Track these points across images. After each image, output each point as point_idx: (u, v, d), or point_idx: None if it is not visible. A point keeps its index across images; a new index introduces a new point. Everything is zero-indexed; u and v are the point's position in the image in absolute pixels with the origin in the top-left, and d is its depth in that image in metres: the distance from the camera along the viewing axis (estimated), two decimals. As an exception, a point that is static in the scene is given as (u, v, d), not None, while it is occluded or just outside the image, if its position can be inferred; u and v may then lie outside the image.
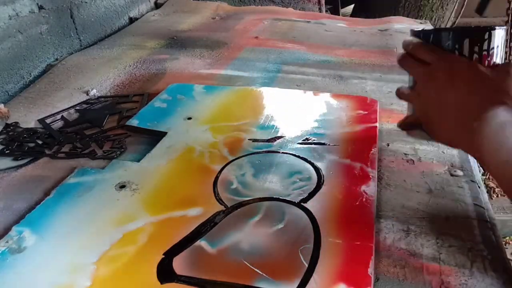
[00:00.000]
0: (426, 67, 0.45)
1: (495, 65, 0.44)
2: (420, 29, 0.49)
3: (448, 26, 1.97)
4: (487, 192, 1.78)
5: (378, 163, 0.57)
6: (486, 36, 0.44)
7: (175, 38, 1.12)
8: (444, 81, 0.44)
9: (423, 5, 1.86)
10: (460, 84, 0.43)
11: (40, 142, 0.64)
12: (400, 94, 0.51)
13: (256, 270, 0.40)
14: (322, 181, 0.52)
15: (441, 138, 0.46)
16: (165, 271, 0.40)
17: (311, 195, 0.49)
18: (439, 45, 0.46)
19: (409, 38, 0.49)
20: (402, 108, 0.72)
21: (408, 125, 0.50)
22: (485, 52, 0.44)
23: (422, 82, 0.46)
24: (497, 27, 0.44)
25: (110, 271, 0.40)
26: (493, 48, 0.44)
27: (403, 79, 0.82)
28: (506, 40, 0.42)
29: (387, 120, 0.68)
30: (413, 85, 0.49)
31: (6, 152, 0.61)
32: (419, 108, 0.48)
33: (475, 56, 0.44)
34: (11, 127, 0.68)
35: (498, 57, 0.44)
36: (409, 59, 0.48)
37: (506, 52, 0.44)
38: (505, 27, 0.46)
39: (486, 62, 0.44)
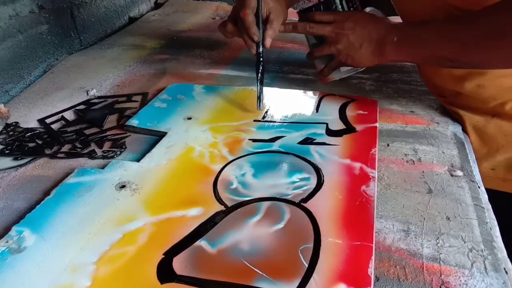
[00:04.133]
0: (331, 25, 0.66)
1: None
2: (306, 7, 0.72)
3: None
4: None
5: (378, 163, 0.57)
6: None
7: (175, 38, 1.12)
8: (352, 28, 0.65)
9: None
10: (364, 26, 0.64)
11: (40, 142, 0.64)
12: (312, 53, 0.71)
13: (256, 270, 0.40)
14: (322, 181, 0.52)
15: (365, 64, 0.66)
16: (165, 271, 0.40)
17: (311, 195, 0.49)
18: (329, 10, 0.69)
19: (304, 13, 0.70)
20: (402, 108, 0.72)
21: (331, 69, 0.70)
22: (355, 5, 0.70)
23: (335, 35, 0.66)
24: None
25: (110, 271, 0.40)
26: (357, 2, 0.70)
27: (403, 79, 0.83)
28: None
29: (387, 120, 0.68)
30: (318, 42, 0.70)
31: (6, 152, 0.61)
32: (339, 52, 0.66)
33: (351, 9, 0.70)
34: (11, 127, 0.68)
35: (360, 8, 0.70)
36: (312, 26, 0.68)
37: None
38: None
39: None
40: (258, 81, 0.69)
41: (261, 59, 0.68)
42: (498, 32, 0.52)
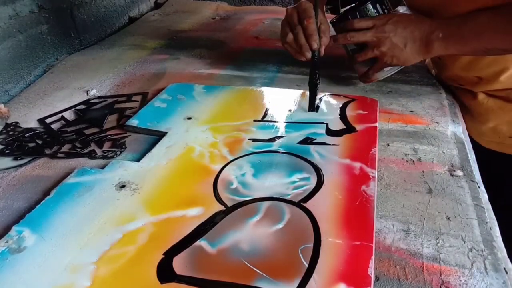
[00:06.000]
0: (370, 30, 0.70)
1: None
2: (341, 13, 0.76)
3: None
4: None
5: (378, 163, 0.57)
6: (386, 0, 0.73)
7: (175, 38, 1.12)
8: (394, 30, 0.68)
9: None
10: (405, 26, 0.68)
11: (40, 142, 0.64)
12: (356, 58, 0.74)
13: (256, 270, 0.40)
14: (322, 181, 0.52)
15: (411, 62, 0.70)
16: (165, 271, 0.40)
17: (311, 195, 0.49)
18: (362, 17, 0.72)
19: (339, 23, 0.73)
20: (402, 108, 0.72)
21: (376, 71, 0.75)
22: (388, 7, 0.73)
23: (377, 39, 0.69)
24: None
25: (110, 271, 0.40)
26: (388, 5, 0.73)
27: (403, 79, 0.83)
28: None
29: (387, 120, 0.68)
30: (357, 48, 0.73)
31: (6, 152, 0.61)
32: (383, 55, 0.70)
33: (385, 11, 0.72)
34: (11, 127, 0.68)
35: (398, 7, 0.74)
36: (347, 34, 0.71)
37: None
38: None
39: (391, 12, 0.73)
40: (314, 85, 0.69)
41: (317, 65, 0.70)
42: None
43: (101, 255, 0.42)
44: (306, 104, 0.71)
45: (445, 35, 0.65)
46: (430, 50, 0.67)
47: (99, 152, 0.61)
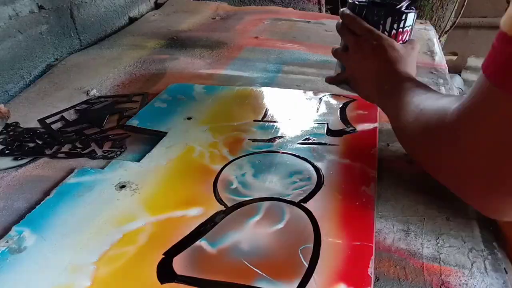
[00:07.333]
0: (356, 37, 0.57)
1: (405, 41, 0.56)
2: (355, 1, 0.59)
3: (448, 26, 1.97)
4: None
5: (378, 163, 0.57)
6: (403, 17, 0.55)
7: (175, 38, 1.12)
8: (367, 52, 0.55)
9: (423, 5, 1.86)
10: (379, 56, 0.54)
11: (40, 142, 0.64)
12: (335, 53, 0.62)
13: (256, 270, 0.40)
14: (322, 181, 0.52)
15: (361, 94, 0.59)
16: (165, 271, 0.40)
17: (311, 195, 0.49)
18: (368, 19, 0.56)
19: (346, 9, 0.59)
20: (402, 108, 0.72)
21: (336, 81, 0.63)
22: (400, 29, 0.55)
23: (352, 49, 0.58)
24: (411, 11, 0.55)
25: (110, 271, 0.40)
26: (407, 26, 0.55)
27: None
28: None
29: (387, 120, 0.68)
30: (345, 48, 0.60)
31: (6, 152, 0.61)
32: (348, 68, 0.59)
33: (393, 31, 0.55)
34: (11, 127, 0.68)
35: (408, 35, 0.56)
36: (344, 27, 0.59)
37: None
38: (415, 11, 0.56)
39: (400, 36, 0.56)
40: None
41: None
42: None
43: (101, 255, 0.42)
44: (305, 104, 0.71)
45: (388, 91, 0.52)
46: (373, 99, 0.57)
47: (99, 152, 0.61)
